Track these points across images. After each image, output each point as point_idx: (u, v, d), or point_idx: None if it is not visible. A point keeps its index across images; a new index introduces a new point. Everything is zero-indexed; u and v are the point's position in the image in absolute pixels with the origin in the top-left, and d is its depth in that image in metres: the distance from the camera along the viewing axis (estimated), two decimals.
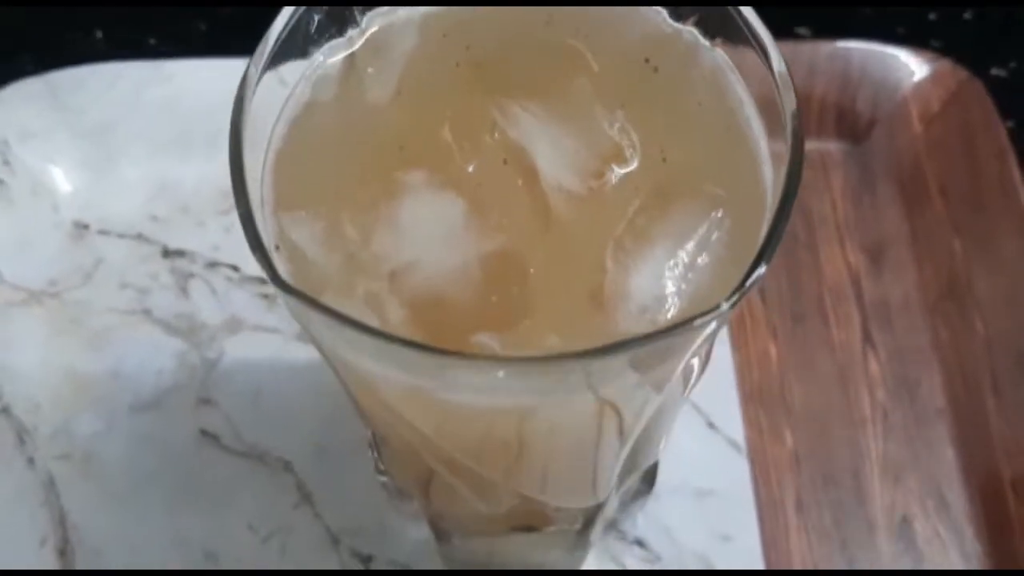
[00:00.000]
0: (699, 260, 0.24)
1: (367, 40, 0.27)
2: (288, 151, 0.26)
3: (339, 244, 0.24)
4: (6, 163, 0.45)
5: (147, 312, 0.43)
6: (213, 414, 0.41)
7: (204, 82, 0.46)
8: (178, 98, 0.47)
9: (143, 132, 0.46)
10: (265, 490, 0.40)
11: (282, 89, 0.27)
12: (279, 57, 0.26)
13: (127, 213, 0.45)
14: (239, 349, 0.43)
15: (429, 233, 0.24)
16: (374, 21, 0.28)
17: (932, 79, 0.47)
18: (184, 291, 0.44)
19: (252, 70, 0.25)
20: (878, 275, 0.44)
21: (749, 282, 0.22)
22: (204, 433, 0.41)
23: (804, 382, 0.42)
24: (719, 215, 0.24)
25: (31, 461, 0.40)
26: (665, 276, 0.24)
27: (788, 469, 0.40)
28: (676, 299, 0.23)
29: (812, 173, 0.46)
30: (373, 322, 0.23)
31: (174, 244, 0.45)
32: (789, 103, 0.24)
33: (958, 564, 0.38)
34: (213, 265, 0.44)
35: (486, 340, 0.23)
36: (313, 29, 0.27)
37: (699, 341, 0.23)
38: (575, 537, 0.33)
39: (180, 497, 0.39)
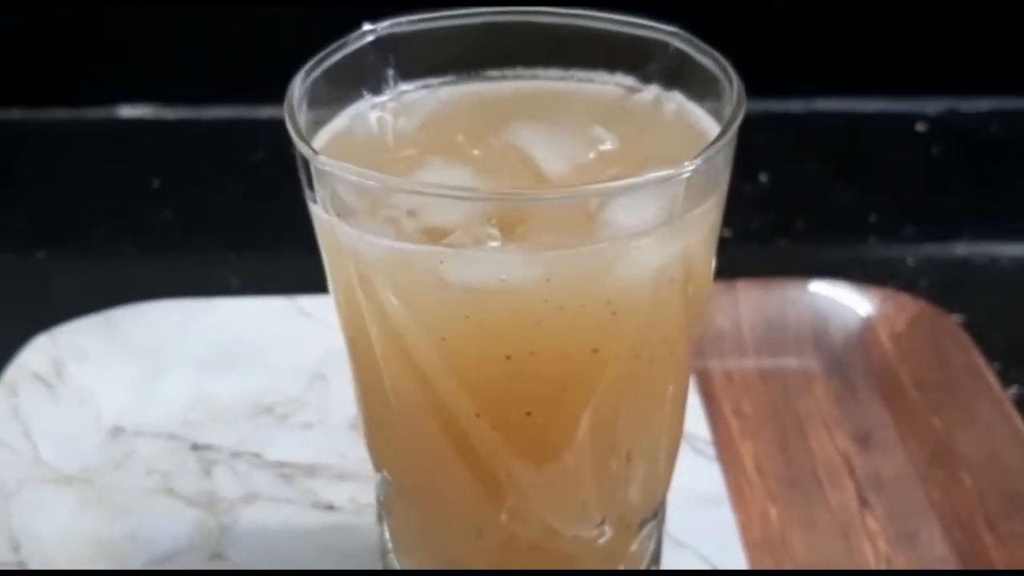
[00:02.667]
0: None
1: (397, 100, 0.34)
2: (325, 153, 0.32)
3: (365, 193, 0.29)
4: (58, 375, 0.50)
5: (170, 490, 0.45)
6: (225, 566, 0.42)
7: (246, 316, 0.53)
8: (222, 326, 0.52)
9: (186, 355, 0.51)
10: None
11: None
12: (319, 90, 0.32)
13: (162, 419, 0.49)
14: (255, 516, 0.44)
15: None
16: (404, 90, 0.34)
17: (896, 305, 0.52)
18: (208, 474, 0.46)
19: (298, 83, 0.31)
20: (867, 455, 0.46)
21: (716, 144, 0.27)
22: None
23: (806, 536, 0.43)
24: (686, 165, 0.29)
25: None
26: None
27: None
28: None
29: (795, 382, 0.50)
30: (390, 233, 0.27)
31: (203, 440, 0.48)
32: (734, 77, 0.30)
33: None
34: (237, 455, 0.47)
35: (488, 228, 0.27)
36: (352, 83, 0.33)
37: (676, 199, 0.26)
38: None
39: None
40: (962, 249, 0.64)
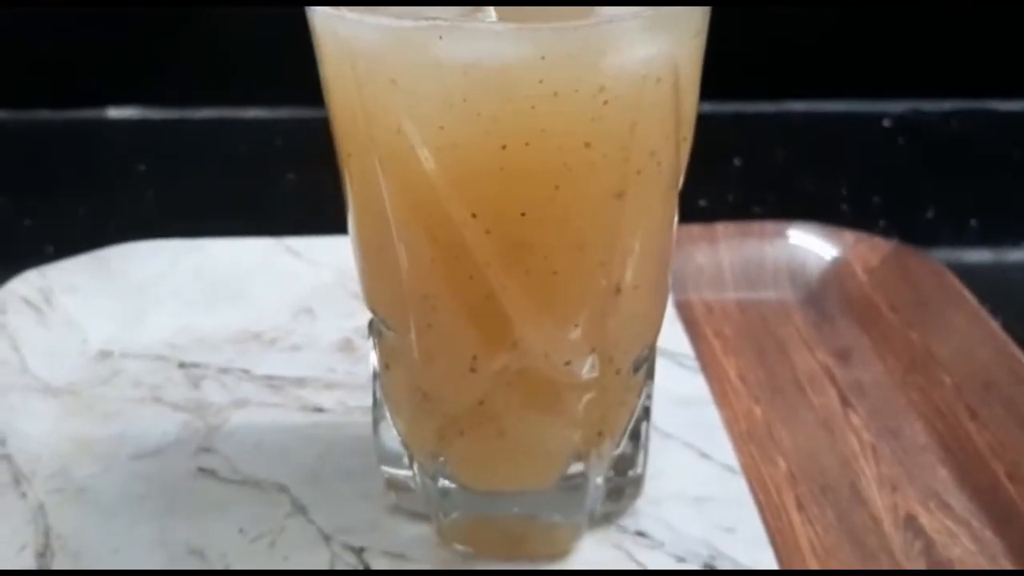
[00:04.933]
0: None
1: None
2: None
3: None
4: (47, 302, 0.50)
5: (158, 399, 0.46)
6: (213, 458, 0.42)
7: (234, 254, 0.54)
8: (210, 263, 0.53)
9: (174, 289, 0.52)
10: (259, 503, 0.39)
11: None
12: None
13: (149, 344, 0.49)
14: (244, 417, 0.44)
15: None
16: None
17: (869, 245, 0.54)
18: (196, 386, 0.46)
19: None
20: (847, 368, 0.47)
21: None
22: (201, 470, 0.41)
23: (791, 429, 0.43)
24: None
25: (23, 495, 0.40)
26: None
27: (785, 482, 0.40)
28: None
29: (773, 312, 0.51)
30: (392, 23, 0.28)
31: (190, 359, 0.48)
32: None
33: (972, 550, 0.37)
34: (225, 370, 0.47)
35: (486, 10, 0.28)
36: None
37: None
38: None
39: (170, 510, 0.39)
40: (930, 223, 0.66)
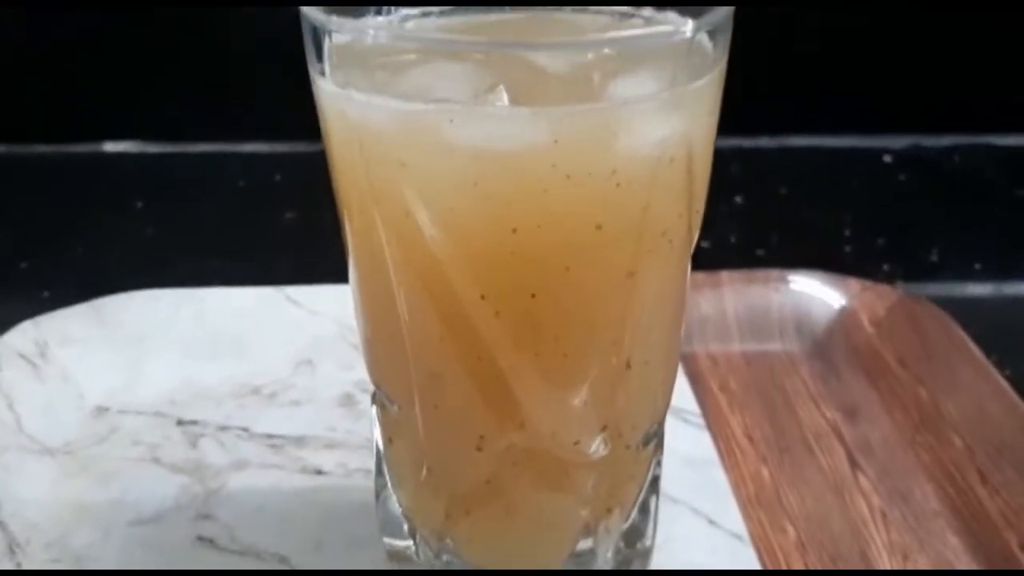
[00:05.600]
0: None
1: (399, 21, 0.35)
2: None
3: (375, 66, 0.29)
4: (42, 355, 0.49)
5: (156, 459, 0.45)
6: (212, 525, 0.41)
7: (233, 305, 0.53)
8: (209, 314, 0.52)
9: (173, 341, 0.51)
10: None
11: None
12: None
13: (148, 399, 0.48)
14: (243, 480, 0.43)
15: (447, 73, 0.30)
16: (406, 15, 0.35)
17: (875, 294, 0.53)
18: (194, 445, 0.46)
19: None
20: (855, 425, 0.47)
21: (715, 12, 0.28)
22: (200, 538, 0.40)
23: (800, 493, 0.43)
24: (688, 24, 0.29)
25: (19, 564, 0.39)
26: None
27: (794, 550, 0.40)
28: None
29: (780, 364, 0.51)
30: (402, 106, 0.28)
31: (188, 416, 0.47)
32: None
33: None
34: (224, 428, 0.47)
35: (497, 90, 0.27)
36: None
37: (678, 64, 0.27)
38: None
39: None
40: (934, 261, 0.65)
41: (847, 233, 0.67)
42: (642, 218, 0.29)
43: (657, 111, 0.28)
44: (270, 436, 0.46)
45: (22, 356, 0.49)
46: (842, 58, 0.76)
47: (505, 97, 0.27)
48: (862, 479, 0.43)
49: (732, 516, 0.41)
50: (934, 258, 0.65)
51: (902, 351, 0.50)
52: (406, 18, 0.35)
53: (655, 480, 0.37)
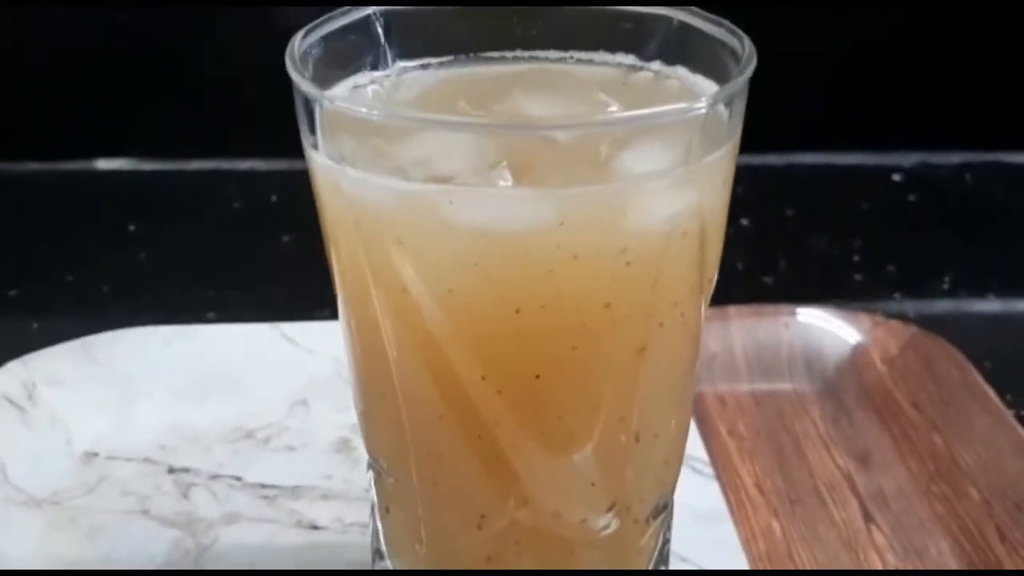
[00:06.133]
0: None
1: (396, 76, 0.33)
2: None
3: (370, 139, 0.28)
4: (29, 398, 0.48)
5: (145, 511, 0.43)
6: None
7: (225, 343, 0.51)
8: (201, 353, 0.51)
9: (163, 381, 0.49)
10: None
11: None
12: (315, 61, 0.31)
13: (137, 444, 0.47)
14: (235, 536, 0.42)
15: (450, 143, 0.28)
16: (403, 67, 0.34)
17: (887, 330, 0.52)
18: (185, 496, 0.44)
19: (295, 45, 0.30)
20: (867, 473, 0.45)
21: (731, 84, 0.26)
22: None
23: (812, 550, 0.41)
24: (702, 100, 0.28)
25: None
26: None
27: None
28: None
29: (790, 405, 0.49)
30: (400, 185, 0.26)
31: (179, 464, 0.46)
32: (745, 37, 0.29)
33: None
34: (216, 477, 0.45)
35: (499, 169, 0.26)
36: (351, 54, 0.33)
37: (692, 139, 0.26)
38: None
39: None
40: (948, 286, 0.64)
41: (856, 259, 0.66)
42: (652, 293, 0.28)
43: (670, 187, 0.26)
44: (263, 486, 0.45)
45: (9, 400, 0.47)
46: (849, 73, 0.74)
47: (508, 176, 0.25)
48: (876, 534, 0.42)
49: None
50: (946, 285, 0.63)
51: (916, 393, 0.48)
52: (403, 71, 0.33)
53: (665, 545, 0.36)
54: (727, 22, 0.31)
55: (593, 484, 0.30)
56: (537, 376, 0.27)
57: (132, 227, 0.69)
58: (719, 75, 0.31)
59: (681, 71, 0.32)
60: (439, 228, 0.26)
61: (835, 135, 0.76)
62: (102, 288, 0.63)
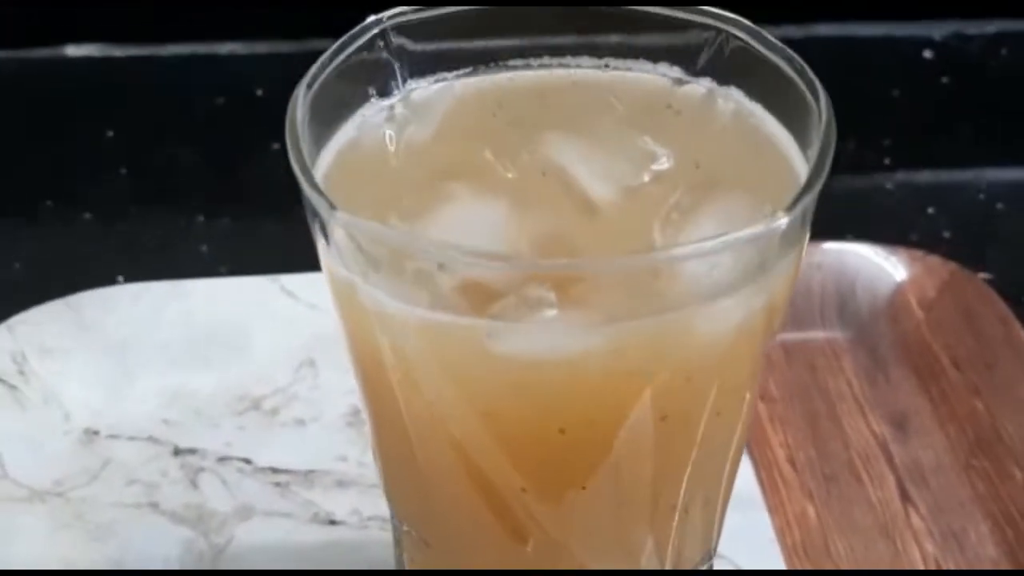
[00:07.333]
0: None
1: (407, 100, 0.29)
2: (333, 175, 0.27)
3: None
4: (20, 373, 0.45)
5: (154, 505, 0.42)
6: None
7: (223, 299, 0.48)
8: (198, 312, 0.48)
9: (161, 345, 0.47)
10: None
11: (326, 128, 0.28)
12: (322, 101, 0.28)
13: (139, 419, 0.45)
14: (250, 535, 0.40)
15: (475, 228, 0.25)
16: (414, 87, 0.30)
17: (924, 267, 0.49)
18: (194, 484, 0.42)
19: (301, 94, 0.26)
20: (905, 441, 0.43)
21: (812, 186, 0.23)
22: None
23: (848, 538, 0.40)
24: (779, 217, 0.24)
25: None
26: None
27: None
28: None
29: (823, 359, 0.47)
30: (423, 298, 0.23)
31: (185, 443, 0.44)
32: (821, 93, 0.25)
33: None
34: (224, 459, 0.43)
35: (542, 291, 0.22)
36: (357, 86, 0.28)
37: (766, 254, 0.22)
38: None
39: None
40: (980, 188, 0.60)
41: (887, 162, 0.62)
42: (715, 393, 0.25)
43: (739, 303, 0.23)
44: (275, 471, 0.43)
45: (0, 379, 0.45)
46: None
47: (552, 298, 0.22)
48: (914, 517, 0.40)
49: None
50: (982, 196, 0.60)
51: (955, 347, 0.46)
52: (415, 91, 0.29)
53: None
54: (787, 49, 0.27)
55: (636, 558, 0.28)
56: (583, 488, 0.25)
57: (110, 133, 0.64)
58: (782, 110, 0.27)
59: (735, 92, 0.28)
60: (475, 355, 0.22)
61: (859, 4, 0.71)
62: (82, 214, 0.59)
